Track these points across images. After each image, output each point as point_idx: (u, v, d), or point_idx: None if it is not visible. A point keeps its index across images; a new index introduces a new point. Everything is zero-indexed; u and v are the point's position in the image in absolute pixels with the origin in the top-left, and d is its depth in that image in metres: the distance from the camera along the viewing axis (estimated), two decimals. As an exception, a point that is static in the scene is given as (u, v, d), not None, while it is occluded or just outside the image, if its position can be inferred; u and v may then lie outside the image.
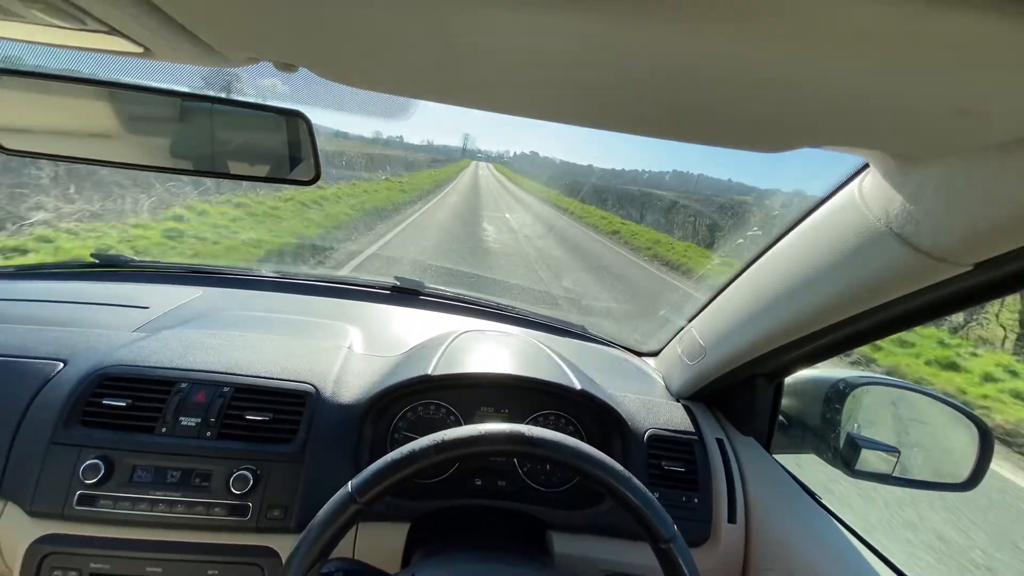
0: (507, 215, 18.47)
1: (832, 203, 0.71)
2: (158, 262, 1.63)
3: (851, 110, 0.41)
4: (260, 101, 0.74)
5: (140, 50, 0.45)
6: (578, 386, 1.04)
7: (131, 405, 0.91)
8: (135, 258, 1.55)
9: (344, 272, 6.04)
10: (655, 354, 1.44)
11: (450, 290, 1.64)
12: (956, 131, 0.43)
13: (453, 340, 1.17)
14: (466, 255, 8.99)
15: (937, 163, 0.51)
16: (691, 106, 0.45)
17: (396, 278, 1.61)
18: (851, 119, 0.44)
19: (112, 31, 0.41)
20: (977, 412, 1.03)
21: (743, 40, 0.32)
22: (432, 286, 1.62)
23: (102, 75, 0.67)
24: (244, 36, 0.44)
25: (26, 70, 0.65)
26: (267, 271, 1.63)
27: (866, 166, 0.63)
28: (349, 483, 0.62)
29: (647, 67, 0.38)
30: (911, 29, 0.28)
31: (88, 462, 0.84)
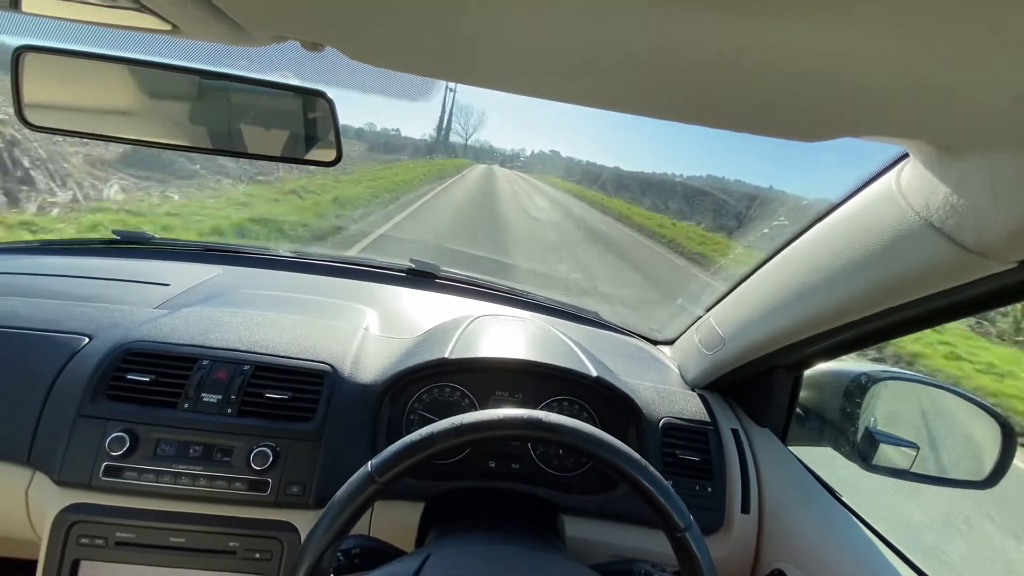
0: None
1: (866, 194, 0.69)
2: (177, 240, 1.65)
3: (900, 99, 0.39)
4: (281, 80, 0.73)
5: (169, 27, 0.45)
6: (594, 373, 1.04)
7: (154, 381, 0.93)
8: (155, 236, 1.57)
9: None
10: (669, 343, 1.43)
11: (465, 274, 1.65)
12: (1010, 122, 0.41)
13: (469, 324, 1.17)
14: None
15: (984, 155, 0.49)
16: (730, 93, 0.44)
17: (412, 260, 1.62)
18: (898, 108, 0.42)
19: (142, 8, 0.40)
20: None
21: (791, 26, 0.30)
22: (447, 269, 1.63)
23: (125, 53, 0.66)
24: (272, 14, 0.43)
25: (55, 47, 0.65)
26: (284, 251, 1.64)
27: (905, 155, 0.61)
28: (369, 463, 0.62)
29: (690, 54, 0.37)
30: (978, 4, 0.26)
31: (114, 435, 0.87)
